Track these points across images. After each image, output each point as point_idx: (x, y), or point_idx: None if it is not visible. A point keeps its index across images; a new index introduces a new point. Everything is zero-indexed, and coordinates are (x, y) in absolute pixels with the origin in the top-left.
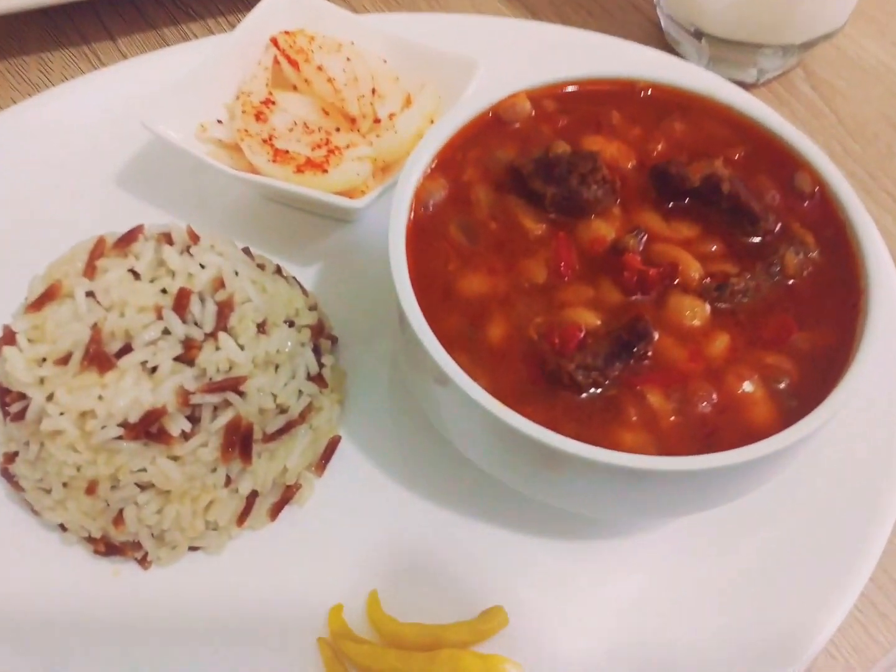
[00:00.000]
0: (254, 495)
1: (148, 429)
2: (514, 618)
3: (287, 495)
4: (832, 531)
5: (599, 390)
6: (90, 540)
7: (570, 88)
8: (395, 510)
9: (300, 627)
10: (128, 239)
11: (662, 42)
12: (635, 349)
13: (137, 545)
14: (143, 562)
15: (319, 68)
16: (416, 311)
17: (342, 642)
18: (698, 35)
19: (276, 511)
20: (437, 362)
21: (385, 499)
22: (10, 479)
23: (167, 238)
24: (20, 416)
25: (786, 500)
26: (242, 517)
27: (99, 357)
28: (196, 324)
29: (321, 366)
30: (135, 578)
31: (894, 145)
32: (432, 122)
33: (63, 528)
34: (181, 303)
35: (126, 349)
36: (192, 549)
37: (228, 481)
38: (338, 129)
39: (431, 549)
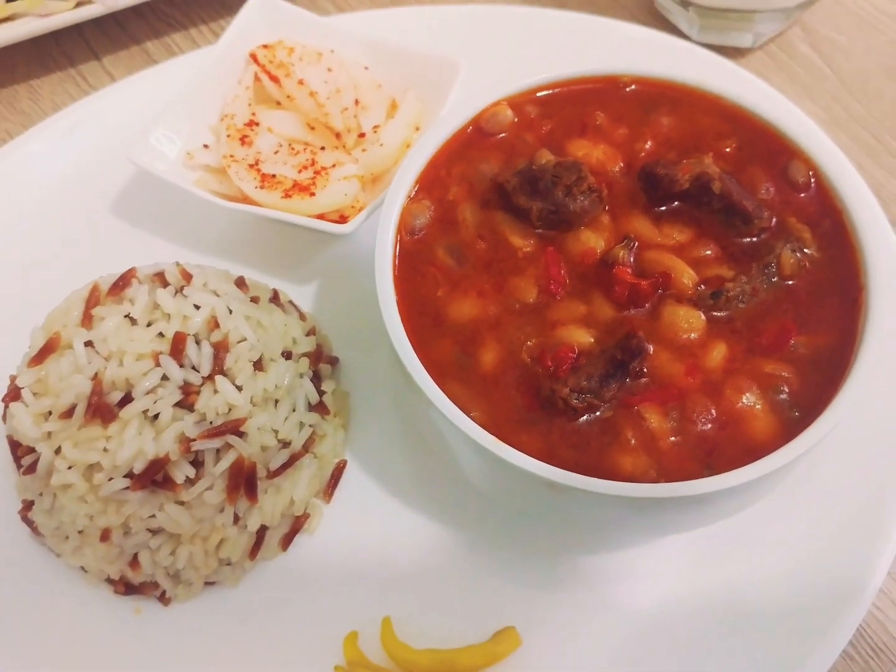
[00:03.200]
0: (263, 529)
1: (153, 478)
2: (527, 637)
3: (296, 525)
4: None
5: (597, 413)
6: (110, 581)
7: (553, 91)
8: (404, 533)
9: (317, 656)
10: (122, 284)
11: (653, 10)
12: (630, 367)
13: (155, 584)
14: (163, 599)
15: (301, 83)
16: (405, 345)
17: (358, 671)
18: (685, 4)
19: (287, 542)
20: (428, 397)
21: (394, 522)
22: (30, 524)
23: (161, 279)
24: (32, 469)
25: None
26: (254, 551)
27: (101, 409)
28: (193, 367)
29: (321, 393)
30: (156, 615)
31: None
32: (417, 129)
33: (84, 569)
34: (177, 347)
35: (127, 398)
36: (209, 583)
37: (237, 519)
38: (322, 148)
39: (442, 571)
